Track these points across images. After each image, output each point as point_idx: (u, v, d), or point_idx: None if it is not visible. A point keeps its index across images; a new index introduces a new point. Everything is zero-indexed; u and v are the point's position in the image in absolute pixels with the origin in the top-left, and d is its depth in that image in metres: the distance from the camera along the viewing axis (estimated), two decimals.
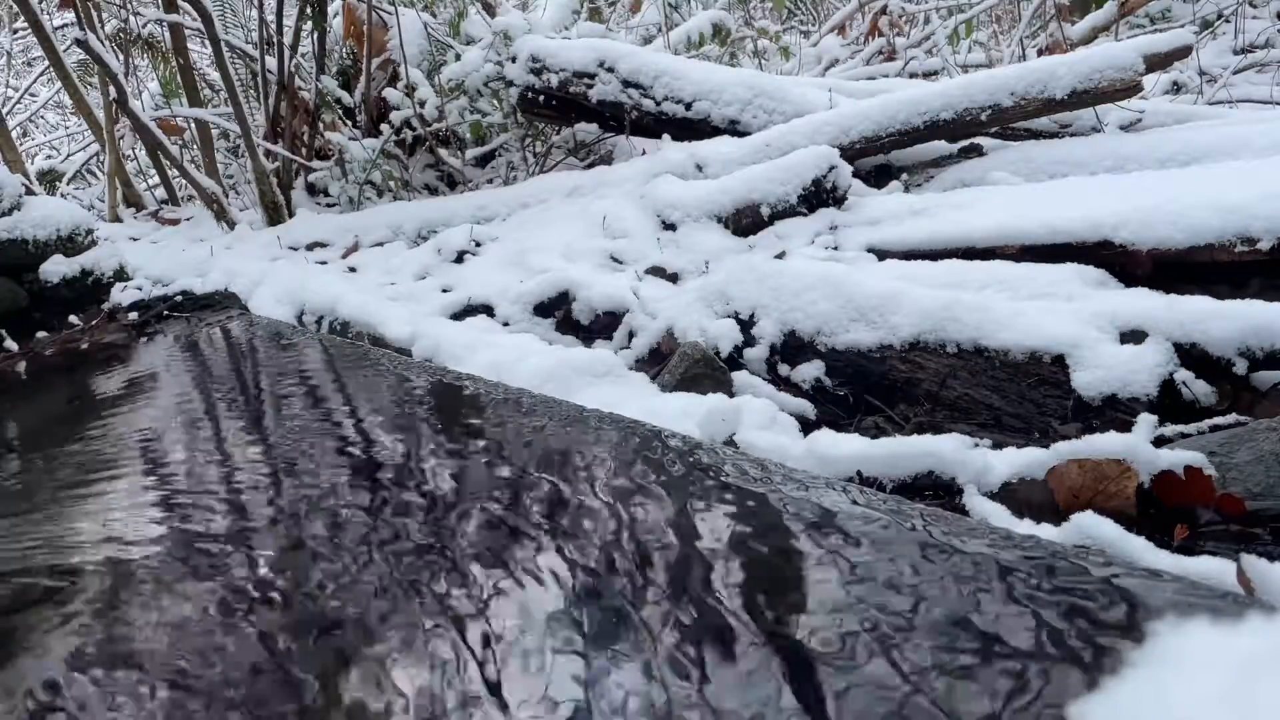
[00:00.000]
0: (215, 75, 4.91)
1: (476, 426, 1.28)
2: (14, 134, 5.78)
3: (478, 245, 2.92)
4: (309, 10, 4.21)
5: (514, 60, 3.73)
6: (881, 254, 2.10)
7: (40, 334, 2.89)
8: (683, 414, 1.37)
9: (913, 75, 5.39)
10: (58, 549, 1.11)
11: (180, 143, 5.04)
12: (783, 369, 1.73)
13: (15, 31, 8.04)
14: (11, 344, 2.77)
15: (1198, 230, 1.65)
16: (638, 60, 3.61)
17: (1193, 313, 1.38)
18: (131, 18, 5.04)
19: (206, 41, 4.46)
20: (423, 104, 4.06)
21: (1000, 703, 0.58)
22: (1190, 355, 1.36)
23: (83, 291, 3.11)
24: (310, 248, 3.57)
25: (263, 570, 0.94)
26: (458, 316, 2.36)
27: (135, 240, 4.44)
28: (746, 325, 1.82)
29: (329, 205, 4.34)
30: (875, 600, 0.71)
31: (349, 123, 4.59)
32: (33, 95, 8.30)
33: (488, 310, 2.35)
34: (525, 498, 1.01)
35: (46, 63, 5.57)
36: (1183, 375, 1.34)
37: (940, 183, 2.77)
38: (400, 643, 0.77)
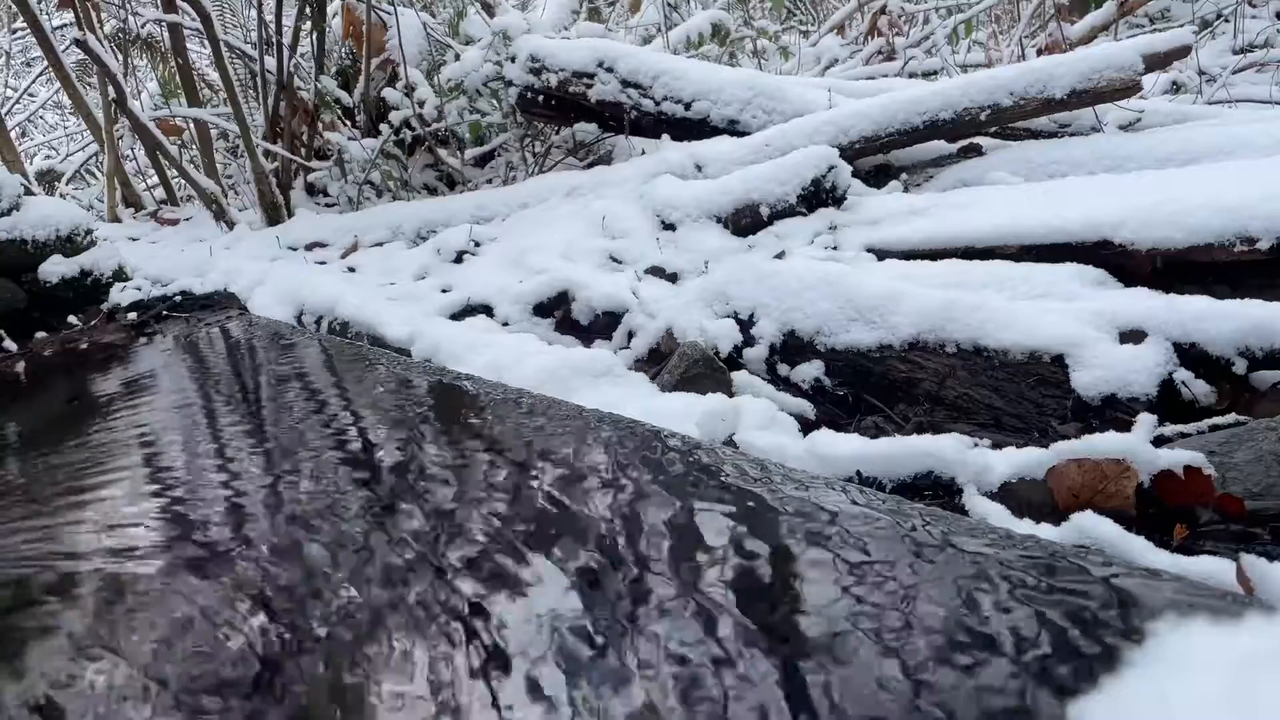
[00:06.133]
0: (214, 75, 4.91)
1: (476, 426, 1.28)
2: (13, 134, 5.77)
3: (477, 245, 2.91)
4: (308, 10, 4.20)
5: (513, 60, 3.73)
6: (881, 254, 2.10)
7: (39, 334, 2.89)
8: (682, 414, 1.37)
9: (912, 75, 5.39)
10: (57, 549, 1.11)
11: (179, 143, 5.03)
12: (782, 369, 1.73)
13: (14, 31, 8.03)
14: (10, 344, 2.76)
15: (1197, 230, 1.65)
16: (637, 60, 3.61)
17: (1192, 312, 1.38)
18: (130, 18, 5.03)
19: (206, 41, 4.45)
20: (422, 104, 4.06)
21: (1000, 703, 0.58)
22: (1190, 355, 1.36)
23: (82, 292, 3.11)
24: (309, 248, 3.57)
25: (261, 570, 0.94)
26: (457, 316, 2.36)
27: (134, 240, 4.44)
28: (746, 325, 1.82)
29: (328, 205, 4.34)
30: (875, 600, 0.71)
31: (348, 123, 4.59)
32: (31, 95, 8.30)
33: (487, 310, 2.34)
34: (524, 498, 1.01)
35: (45, 63, 5.56)
36: (1182, 375, 1.34)
37: (939, 182, 2.77)
38: (398, 643, 0.77)
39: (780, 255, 2.23)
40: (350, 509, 1.06)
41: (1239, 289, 1.58)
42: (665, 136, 3.51)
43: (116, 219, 5.14)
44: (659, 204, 2.70)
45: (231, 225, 4.16)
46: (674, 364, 1.68)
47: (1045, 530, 0.99)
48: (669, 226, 2.64)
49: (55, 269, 3.07)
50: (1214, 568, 0.86)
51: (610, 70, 3.59)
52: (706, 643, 0.69)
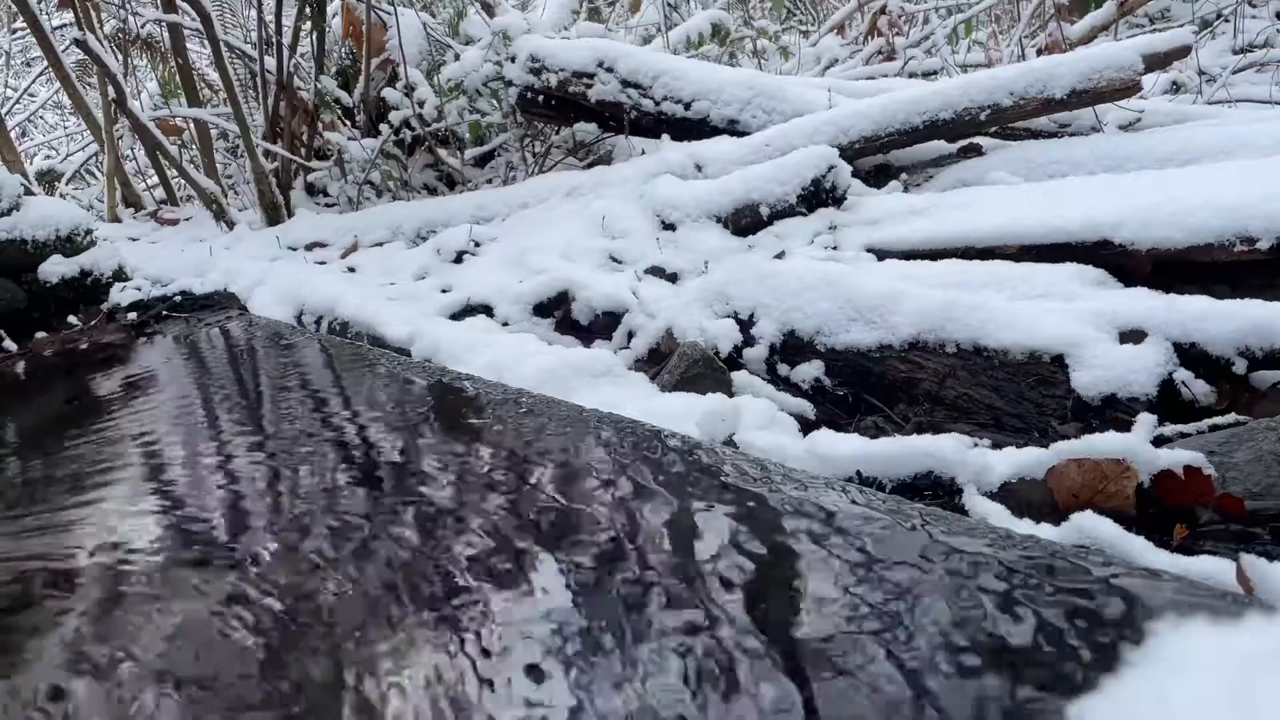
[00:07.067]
0: (214, 75, 4.90)
1: (475, 427, 1.28)
2: (13, 134, 5.77)
3: (477, 245, 2.91)
4: (308, 10, 4.20)
5: (513, 60, 3.73)
6: (881, 254, 2.10)
7: (39, 334, 2.89)
8: (682, 414, 1.37)
9: (912, 75, 5.38)
10: (57, 549, 1.11)
11: (179, 143, 5.03)
12: (782, 369, 1.73)
13: (14, 32, 8.03)
14: (10, 344, 2.76)
15: (1197, 230, 1.65)
16: (637, 60, 3.61)
17: (1192, 312, 1.38)
18: (130, 18, 5.03)
19: (205, 42, 4.45)
20: (422, 104, 4.06)
21: (1000, 703, 0.58)
22: (1189, 355, 1.36)
23: (82, 291, 3.10)
24: (309, 248, 3.57)
25: (261, 571, 0.94)
26: (457, 316, 2.36)
27: (134, 240, 4.44)
28: (746, 325, 1.82)
29: (328, 205, 4.34)
30: (875, 600, 0.71)
31: (348, 123, 4.59)
32: (31, 95, 8.30)
33: (487, 310, 2.34)
34: (524, 498, 1.01)
35: (45, 63, 5.56)
36: (1182, 375, 1.34)
37: (939, 182, 2.77)
38: (398, 643, 0.77)
39: (780, 255, 2.23)
40: (349, 510, 1.06)
41: (1239, 289, 1.58)
42: (665, 136, 3.51)
43: (116, 219, 5.14)
44: (659, 204, 2.70)
45: (231, 225, 4.15)
46: (674, 364, 1.68)
47: (1045, 530, 0.99)
48: (669, 226, 2.64)
49: (55, 269, 3.07)
50: (1214, 568, 0.86)
51: (610, 70, 3.59)
52: (706, 643, 0.69)
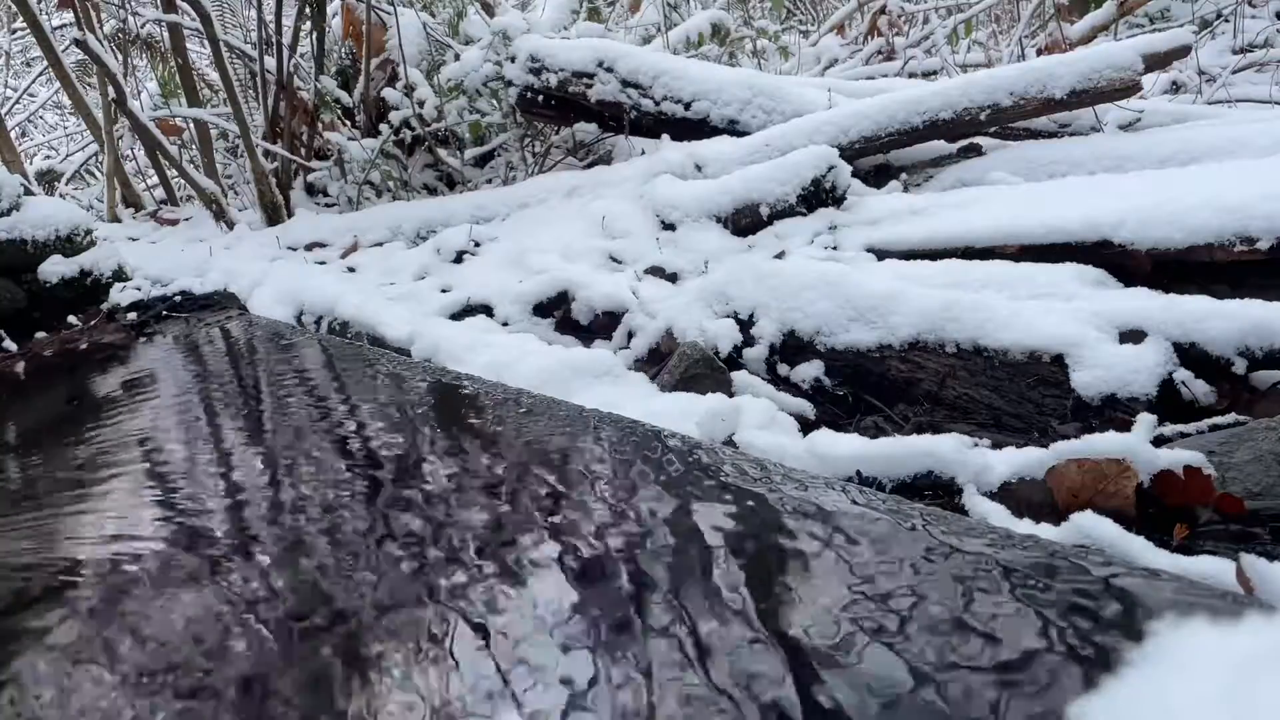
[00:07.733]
0: (214, 75, 4.91)
1: (475, 427, 1.28)
2: (13, 134, 5.77)
3: (477, 245, 2.91)
4: (308, 10, 4.20)
5: (513, 60, 3.73)
6: (881, 254, 2.10)
7: (39, 334, 2.89)
8: (682, 414, 1.37)
9: (912, 75, 5.39)
10: (57, 549, 1.11)
11: (179, 143, 5.03)
12: (782, 369, 1.73)
13: (14, 32, 8.03)
14: (10, 344, 2.76)
15: (1197, 230, 1.64)
16: (637, 60, 3.61)
17: (1192, 312, 1.38)
18: (130, 18, 5.03)
19: (205, 41, 4.45)
20: (422, 104, 4.06)
21: (1000, 702, 0.58)
22: (1189, 355, 1.36)
23: (82, 292, 3.10)
24: (309, 248, 3.56)
25: (261, 570, 0.94)
26: (457, 316, 2.36)
27: (134, 240, 4.44)
28: (746, 325, 1.82)
29: (328, 205, 4.34)
30: (875, 600, 0.71)
31: (348, 123, 4.59)
32: (31, 95, 8.30)
33: (487, 310, 2.35)
34: (523, 499, 1.01)
35: (45, 63, 5.56)
36: (1182, 375, 1.34)
37: (939, 182, 2.77)
38: (399, 642, 0.77)
39: (780, 255, 2.23)
40: (348, 512, 1.06)
41: (1239, 289, 1.58)
42: (665, 136, 3.51)
43: (116, 219, 5.14)
44: (659, 204, 2.70)
45: (231, 225, 4.15)
46: (674, 364, 1.68)
47: (1045, 530, 0.99)
48: (669, 226, 2.64)
49: (55, 269, 3.07)
50: (1214, 568, 0.86)
51: (610, 70, 3.59)
52: (707, 644, 0.69)
